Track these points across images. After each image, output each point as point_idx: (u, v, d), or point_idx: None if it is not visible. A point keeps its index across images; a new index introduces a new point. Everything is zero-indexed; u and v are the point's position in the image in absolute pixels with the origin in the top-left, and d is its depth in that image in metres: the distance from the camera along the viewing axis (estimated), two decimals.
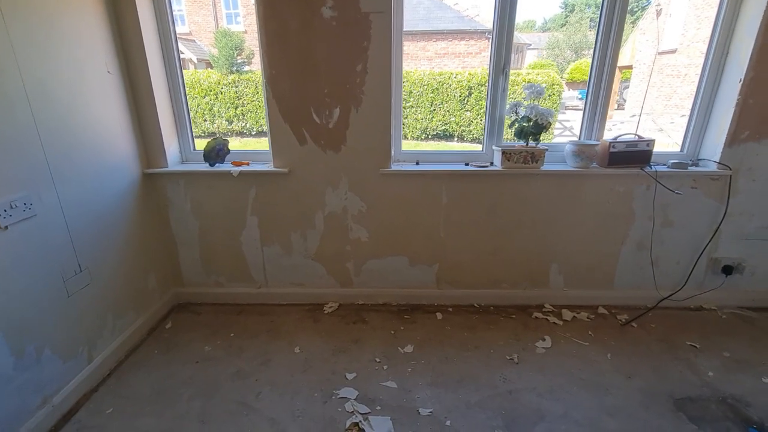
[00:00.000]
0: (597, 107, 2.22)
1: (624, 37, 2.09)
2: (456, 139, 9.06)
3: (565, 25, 22.70)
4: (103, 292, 1.93)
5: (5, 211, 1.43)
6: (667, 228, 2.29)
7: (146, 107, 2.14)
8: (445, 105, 8.77)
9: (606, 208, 2.27)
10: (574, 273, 2.42)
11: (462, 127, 8.90)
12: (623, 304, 2.44)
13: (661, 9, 10.24)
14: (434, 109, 8.84)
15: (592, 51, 2.19)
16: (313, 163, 2.23)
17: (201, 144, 2.39)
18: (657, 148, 2.19)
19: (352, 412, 1.68)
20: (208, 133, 9.52)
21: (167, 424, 1.64)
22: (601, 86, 2.18)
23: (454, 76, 8.56)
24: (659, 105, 10.18)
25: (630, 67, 11.57)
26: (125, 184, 2.08)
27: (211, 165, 2.31)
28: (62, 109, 1.68)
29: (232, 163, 2.33)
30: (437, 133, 9.03)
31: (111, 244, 1.98)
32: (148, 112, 2.15)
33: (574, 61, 18.20)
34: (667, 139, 8.41)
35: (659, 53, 10.11)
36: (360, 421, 1.63)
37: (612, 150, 2.13)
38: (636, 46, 11.25)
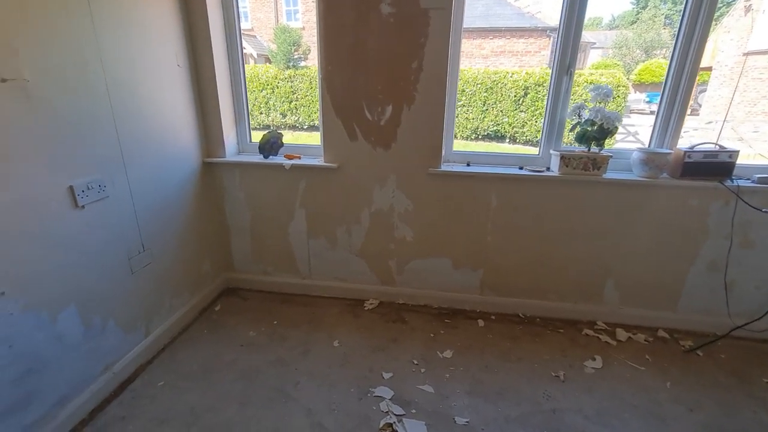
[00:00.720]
0: (672, 113, 2.03)
1: None
2: (508, 140, 8.75)
3: (635, 22, 21.10)
4: (162, 272, 2.06)
5: (83, 191, 1.56)
6: (746, 249, 2.06)
7: (209, 99, 2.25)
8: (499, 105, 8.50)
9: (675, 222, 2.08)
10: (632, 290, 2.25)
11: (515, 129, 8.58)
12: (688, 329, 2.23)
13: (751, 5, 9.22)
14: (486, 109, 8.60)
15: (664, 51, 2.01)
16: (362, 159, 2.23)
17: (256, 136, 2.48)
18: (739, 160, 1.96)
19: (387, 412, 1.67)
20: (263, 125, 9.93)
21: (210, 401, 1.73)
22: (679, 90, 1.99)
23: (510, 75, 8.28)
24: (741, 111, 9.21)
25: (709, 69, 10.51)
26: (187, 172, 2.20)
27: (265, 157, 2.39)
28: (136, 100, 1.80)
29: (284, 156, 2.39)
30: (488, 133, 8.78)
31: (171, 227, 2.10)
32: (210, 104, 2.26)
33: (643, 62, 16.91)
34: (748, 149, 7.59)
35: (745, 54, 9.12)
36: (394, 423, 1.62)
37: (687, 160, 1.94)
38: (718, 46, 10.20)
